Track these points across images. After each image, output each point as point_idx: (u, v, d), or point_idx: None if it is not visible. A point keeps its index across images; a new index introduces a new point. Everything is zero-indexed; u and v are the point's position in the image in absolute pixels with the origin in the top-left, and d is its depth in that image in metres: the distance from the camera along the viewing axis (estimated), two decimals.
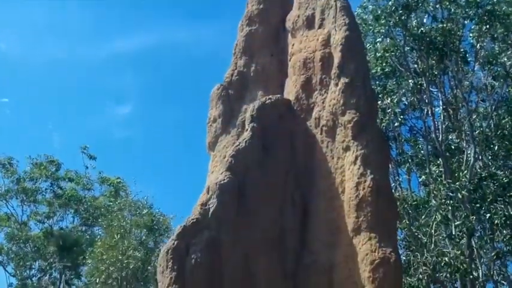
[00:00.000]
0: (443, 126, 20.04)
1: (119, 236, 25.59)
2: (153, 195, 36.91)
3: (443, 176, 18.61)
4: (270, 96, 11.11)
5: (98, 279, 26.83)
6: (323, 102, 10.56)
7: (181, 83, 61.88)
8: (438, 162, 19.54)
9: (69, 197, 37.39)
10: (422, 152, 20.78)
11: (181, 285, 8.81)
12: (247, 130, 10.51)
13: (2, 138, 52.70)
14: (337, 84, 10.32)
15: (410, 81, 19.86)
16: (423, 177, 19.93)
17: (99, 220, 33.80)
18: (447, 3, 19.87)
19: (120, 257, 24.91)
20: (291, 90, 11.30)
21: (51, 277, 37.30)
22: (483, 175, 18.53)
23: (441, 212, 17.74)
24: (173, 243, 9.21)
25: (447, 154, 19.54)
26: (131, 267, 25.18)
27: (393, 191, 18.21)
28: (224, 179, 9.76)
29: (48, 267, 36.99)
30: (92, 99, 64.21)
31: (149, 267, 27.67)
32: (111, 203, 34.14)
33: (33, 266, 37.46)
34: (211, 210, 9.53)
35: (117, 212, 27.93)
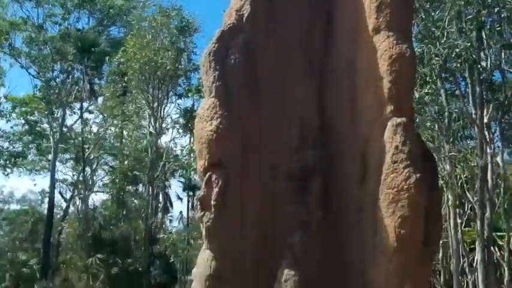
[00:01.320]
0: None
1: (150, 36, 26.21)
2: None
3: None
4: None
5: (126, 78, 28.17)
6: None
7: None
8: None
9: None
10: None
11: (223, 82, 10.07)
12: None
13: None
14: None
15: None
16: None
17: (128, 19, 34.17)
18: None
19: (154, 57, 25.77)
20: None
21: (74, 78, 38.82)
22: None
23: (454, 7, 18.54)
24: (214, 46, 10.32)
25: None
26: (167, 67, 26.10)
27: None
28: None
29: (69, 68, 38.35)
30: None
31: (180, 66, 28.71)
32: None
33: (55, 68, 38.85)
34: (245, 15, 10.52)
35: (147, 13, 28.22)
